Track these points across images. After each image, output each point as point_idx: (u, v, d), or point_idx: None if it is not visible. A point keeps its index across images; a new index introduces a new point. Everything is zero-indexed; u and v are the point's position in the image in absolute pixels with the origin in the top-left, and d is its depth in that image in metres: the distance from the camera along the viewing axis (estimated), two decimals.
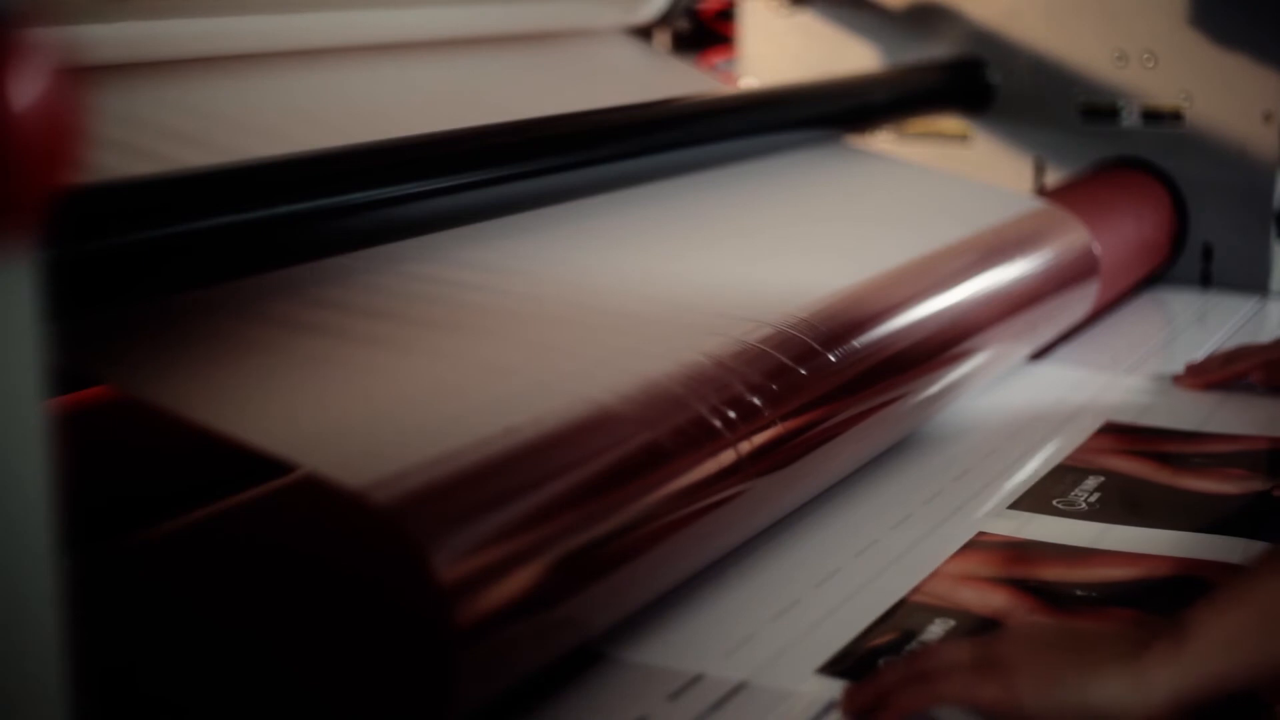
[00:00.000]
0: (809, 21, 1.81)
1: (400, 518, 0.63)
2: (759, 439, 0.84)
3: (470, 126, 1.05)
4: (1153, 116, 1.65)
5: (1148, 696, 0.67)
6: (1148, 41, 1.64)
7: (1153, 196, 1.62)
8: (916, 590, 0.85)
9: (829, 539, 0.93)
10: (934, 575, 0.88)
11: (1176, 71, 1.63)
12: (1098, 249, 1.38)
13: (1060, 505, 0.99)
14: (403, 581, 0.64)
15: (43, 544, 0.42)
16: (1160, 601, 0.84)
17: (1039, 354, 1.34)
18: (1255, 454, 1.10)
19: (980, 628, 0.81)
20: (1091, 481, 1.04)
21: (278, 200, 0.87)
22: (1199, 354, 1.31)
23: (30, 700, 0.42)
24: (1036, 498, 1.00)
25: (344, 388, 0.75)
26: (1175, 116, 1.64)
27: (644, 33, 1.66)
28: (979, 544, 0.93)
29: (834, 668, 0.76)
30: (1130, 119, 1.66)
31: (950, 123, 1.76)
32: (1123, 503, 1.00)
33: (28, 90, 0.38)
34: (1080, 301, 1.36)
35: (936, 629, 0.81)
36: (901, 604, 0.84)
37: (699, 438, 0.80)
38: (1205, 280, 1.65)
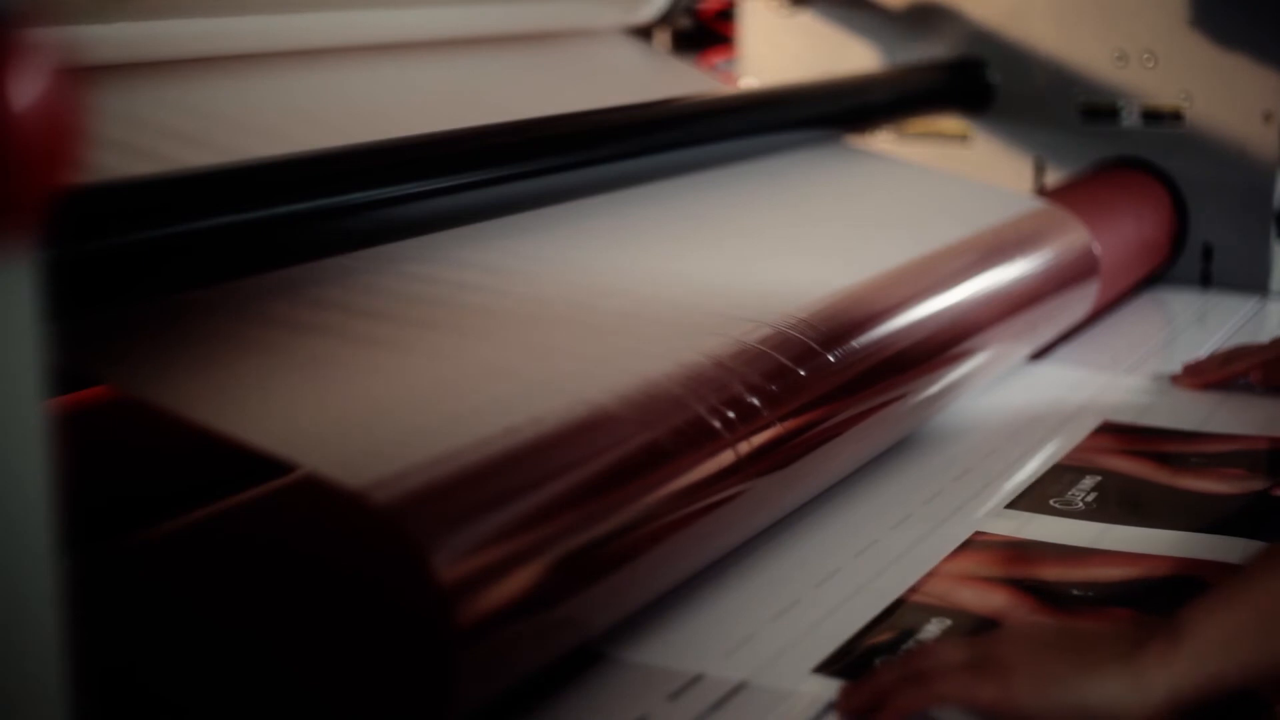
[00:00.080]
0: (809, 21, 1.81)
1: (400, 518, 0.63)
2: (758, 439, 0.84)
3: (470, 126, 1.05)
4: (1153, 116, 1.65)
5: (1146, 696, 0.67)
6: (1148, 41, 1.64)
7: (1153, 196, 1.62)
8: (914, 590, 0.85)
9: (829, 539, 0.93)
10: (931, 575, 0.88)
11: (1176, 71, 1.63)
12: (1098, 249, 1.38)
13: (1057, 505, 0.99)
14: (403, 581, 0.64)
15: (43, 544, 0.42)
16: (1158, 601, 0.84)
17: (1039, 354, 1.34)
18: (1253, 454, 1.10)
19: (977, 627, 0.81)
20: (1089, 481, 1.04)
21: (278, 200, 0.87)
22: (1200, 354, 1.31)
23: (30, 700, 0.42)
24: (1034, 498, 1.01)
25: (344, 388, 0.75)
26: (1175, 116, 1.64)
27: (644, 33, 1.65)
28: (976, 544, 0.93)
29: (831, 667, 0.76)
30: (1130, 119, 1.66)
31: (950, 123, 1.76)
32: (1120, 502, 1.00)
33: (28, 90, 0.38)
34: (1080, 301, 1.36)
35: (933, 628, 0.81)
36: (899, 603, 0.84)
37: (698, 438, 0.80)
38: (1205, 280, 1.65)
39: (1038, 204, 1.41)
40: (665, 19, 1.65)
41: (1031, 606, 0.84)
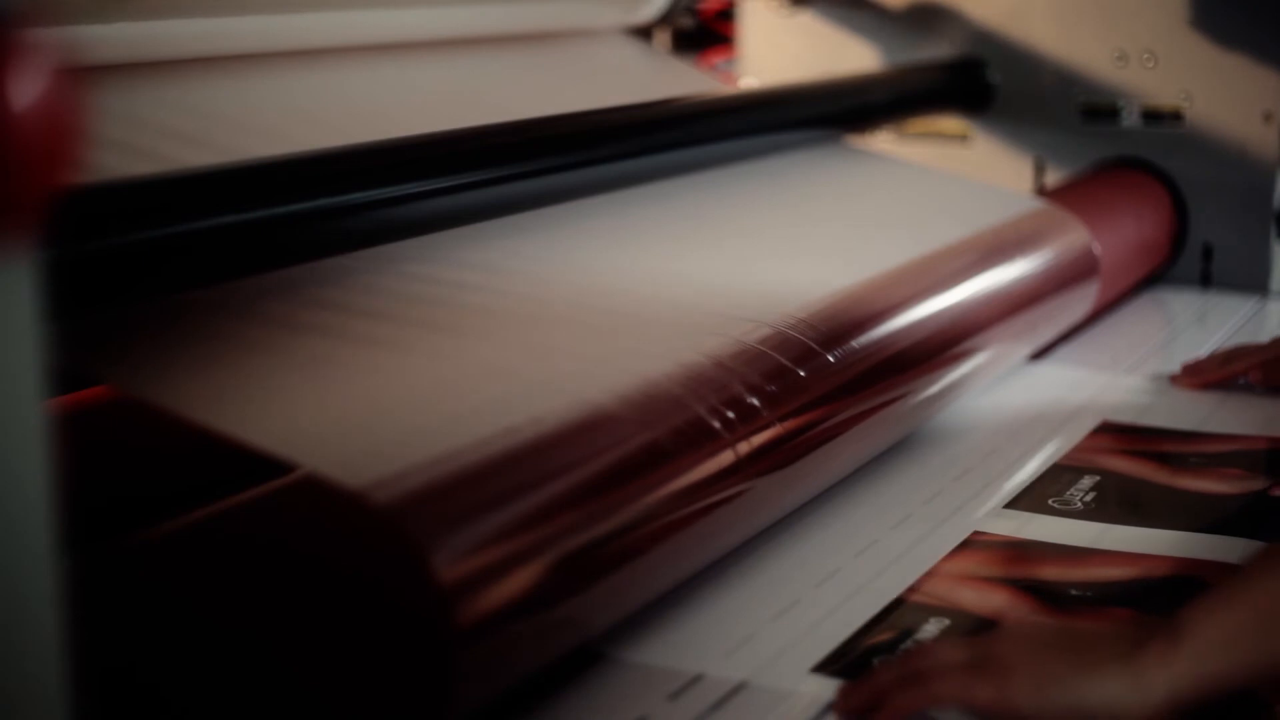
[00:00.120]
0: (809, 21, 1.81)
1: (400, 518, 0.63)
2: (758, 440, 0.84)
3: (470, 126, 1.05)
4: (1153, 116, 1.65)
5: (1145, 696, 0.67)
6: (1148, 41, 1.64)
7: (1153, 196, 1.62)
8: (912, 589, 0.85)
9: (829, 539, 0.93)
10: (929, 574, 0.88)
11: (1176, 71, 1.63)
12: (1098, 249, 1.38)
13: (1056, 505, 0.99)
14: (403, 581, 0.64)
15: (43, 544, 0.42)
16: (1156, 601, 0.84)
17: (1039, 354, 1.34)
18: (1252, 453, 1.10)
19: (976, 627, 0.81)
20: (1087, 481, 1.04)
21: (278, 200, 0.87)
22: (1200, 354, 1.31)
23: (30, 700, 0.42)
24: (1032, 498, 1.01)
25: (344, 388, 0.76)
26: (1175, 116, 1.64)
27: (644, 33, 1.65)
28: (975, 543, 0.93)
29: (829, 667, 0.76)
30: (1130, 119, 1.66)
31: (950, 123, 1.76)
32: (1119, 502, 1.00)
33: (28, 90, 0.38)
34: (1080, 301, 1.36)
35: (931, 628, 0.81)
36: (897, 603, 0.84)
37: (698, 438, 0.80)
38: (1205, 280, 1.65)
39: (1038, 204, 1.41)
40: (665, 19, 1.65)
41: (1030, 606, 0.84)
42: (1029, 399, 1.23)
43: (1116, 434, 1.14)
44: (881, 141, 1.74)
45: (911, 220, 1.30)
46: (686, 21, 1.84)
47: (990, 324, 1.16)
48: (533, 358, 0.83)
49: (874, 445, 1.03)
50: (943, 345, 1.08)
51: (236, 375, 0.75)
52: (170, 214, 0.80)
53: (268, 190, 0.87)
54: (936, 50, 1.75)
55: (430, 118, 1.07)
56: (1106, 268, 1.40)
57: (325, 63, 1.22)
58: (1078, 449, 1.10)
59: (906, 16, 1.77)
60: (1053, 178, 1.70)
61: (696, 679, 0.75)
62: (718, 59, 2.11)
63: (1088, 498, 1.00)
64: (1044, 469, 1.06)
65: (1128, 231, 1.52)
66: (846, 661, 0.76)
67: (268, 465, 0.70)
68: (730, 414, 0.82)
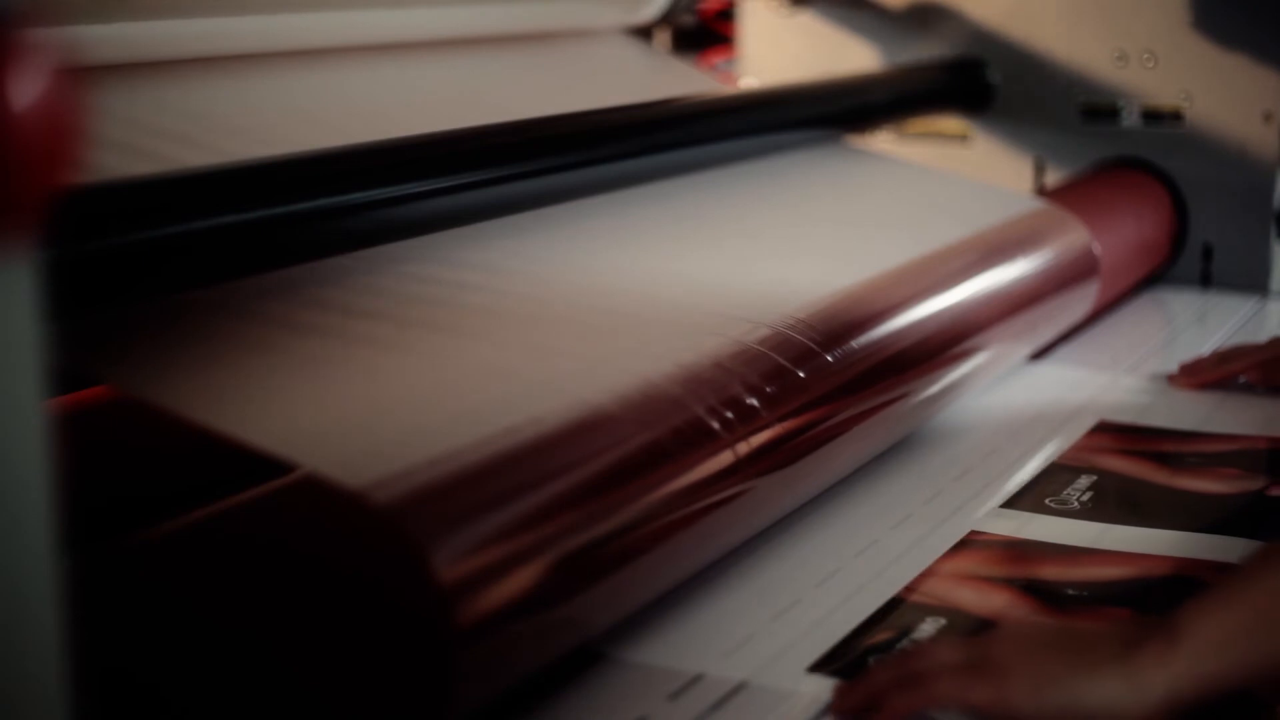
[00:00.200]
0: (809, 21, 1.81)
1: (400, 518, 0.63)
2: (757, 440, 0.84)
3: (470, 126, 1.05)
4: (1153, 116, 1.65)
5: (1143, 697, 0.67)
6: (1148, 41, 1.64)
7: (1153, 196, 1.62)
8: (908, 589, 0.86)
9: (829, 539, 0.93)
10: (926, 574, 0.88)
11: (1176, 71, 1.63)
12: (1098, 249, 1.38)
13: (1053, 504, 0.99)
14: (403, 581, 0.64)
15: (43, 544, 0.42)
16: (1154, 601, 0.84)
17: (1039, 354, 1.34)
18: (1250, 453, 1.10)
19: (973, 626, 0.81)
20: (1084, 480, 1.04)
21: (277, 200, 0.87)
22: (1200, 354, 1.31)
23: (30, 700, 0.42)
24: (1030, 497, 1.01)
25: (344, 388, 0.76)
26: (1175, 116, 1.64)
27: (644, 33, 1.65)
28: (972, 543, 0.93)
29: (826, 667, 0.76)
30: (1130, 119, 1.66)
31: (950, 123, 1.76)
32: (1116, 502, 1.00)
33: (28, 90, 0.38)
34: (1080, 301, 1.36)
35: (928, 627, 0.81)
36: (893, 603, 0.84)
37: (697, 439, 0.80)
38: (1205, 280, 1.65)
39: (1038, 204, 1.41)
40: (665, 19, 1.65)
41: (1027, 606, 0.84)
42: (1029, 399, 1.23)
43: (1114, 434, 1.14)
44: (881, 141, 1.74)
45: (911, 220, 1.30)
46: (687, 20, 1.84)
47: (990, 324, 1.16)
48: (532, 358, 0.83)
49: (874, 445, 1.03)
50: (943, 345, 1.08)
51: (236, 375, 0.75)
52: (170, 214, 0.80)
53: (268, 190, 0.87)
54: (936, 50, 1.75)
55: (430, 118, 1.07)
56: (1106, 268, 1.40)
57: (325, 63, 1.22)
58: (1075, 449, 1.10)
59: (906, 16, 1.77)
60: (1053, 178, 1.70)
61: (696, 679, 0.75)
62: (718, 59, 2.11)
63: (1085, 497, 1.01)
64: (1043, 469, 1.06)
65: (1128, 231, 1.52)
66: (845, 662, 0.76)
67: (268, 465, 0.70)
68: (729, 414, 0.82)
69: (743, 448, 0.82)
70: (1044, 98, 1.70)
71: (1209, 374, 1.26)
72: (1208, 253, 1.65)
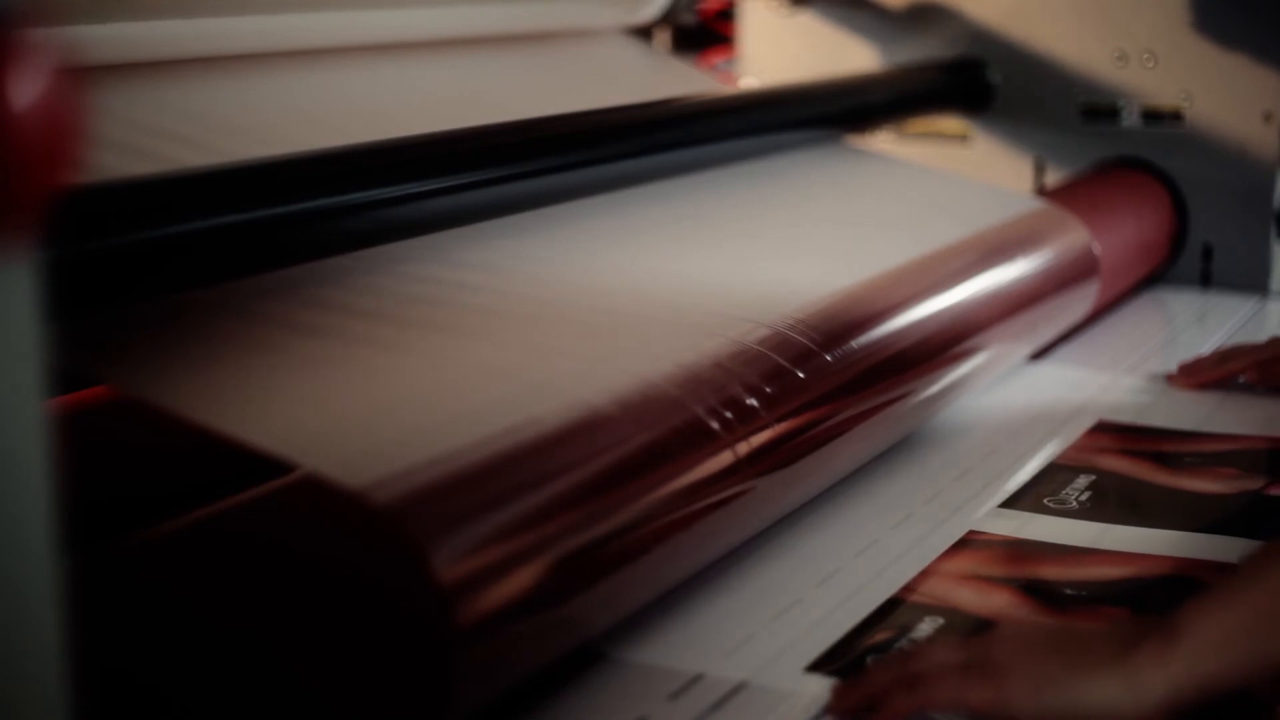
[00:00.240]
0: (809, 21, 1.81)
1: (400, 518, 0.63)
2: (757, 440, 0.84)
3: (470, 126, 1.05)
4: (1153, 116, 1.65)
5: (1142, 697, 0.67)
6: (1148, 41, 1.64)
7: (1153, 196, 1.62)
8: (907, 589, 0.86)
9: (829, 539, 0.93)
10: (924, 574, 0.88)
11: (1176, 71, 1.63)
12: (1098, 249, 1.38)
13: (1051, 504, 0.99)
14: (403, 581, 0.64)
15: (43, 544, 0.42)
16: (1152, 600, 0.84)
17: (1039, 354, 1.34)
18: (1247, 453, 1.10)
19: (971, 626, 0.81)
20: (1082, 480, 1.04)
21: (277, 200, 0.87)
22: (1201, 354, 1.31)
23: (30, 700, 0.42)
24: (1028, 497, 1.01)
25: (344, 388, 0.76)
26: (1175, 116, 1.64)
27: (644, 33, 1.65)
28: (969, 543, 0.93)
29: (823, 666, 0.76)
30: (1130, 119, 1.66)
31: (950, 123, 1.76)
32: (1114, 502, 1.00)
33: (28, 90, 0.38)
34: (1080, 301, 1.36)
35: (926, 627, 0.81)
36: (891, 602, 0.84)
37: (697, 439, 0.80)
38: (1205, 280, 1.65)
39: (1038, 204, 1.41)
40: (665, 19, 1.65)
41: (1025, 605, 0.84)
42: (1029, 399, 1.23)
43: (1113, 433, 1.14)
44: (881, 141, 1.74)
45: (911, 220, 1.30)
46: (687, 19, 1.84)
47: (990, 324, 1.16)
48: (532, 358, 0.83)
49: (873, 446, 1.03)
50: (942, 345, 1.08)
51: (236, 375, 0.75)
52: (170, 214, 0.80)
53: (268, 190, 0.87)
54: (936, 50, 1.75)
55: (430, 118, 1.07)
56: (1106, 268, 1.40)
57: (325, 63, 1.22)
58: (1073, 448, 1.10)
59: (906, 16, 1.77)
60: (1053, 178, 1.70)
61: (696, 679, 0.75)
62: (718, 59, 2.11)
63: (1083, 497, 1.01)
64: (1041, 469, 1.06)
65: (1128, 231, 1.52)
66: (845, 662, 0.76)
67: (268, 465, 0.70)
68: (729, 415, 0.82)
69: (742, 448, 0.82)
70: (1044, 98, 1.70)
71: (1208, 374, 1.26)
72: (1208, 253, 1.65)
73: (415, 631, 0.65)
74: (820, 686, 0.74)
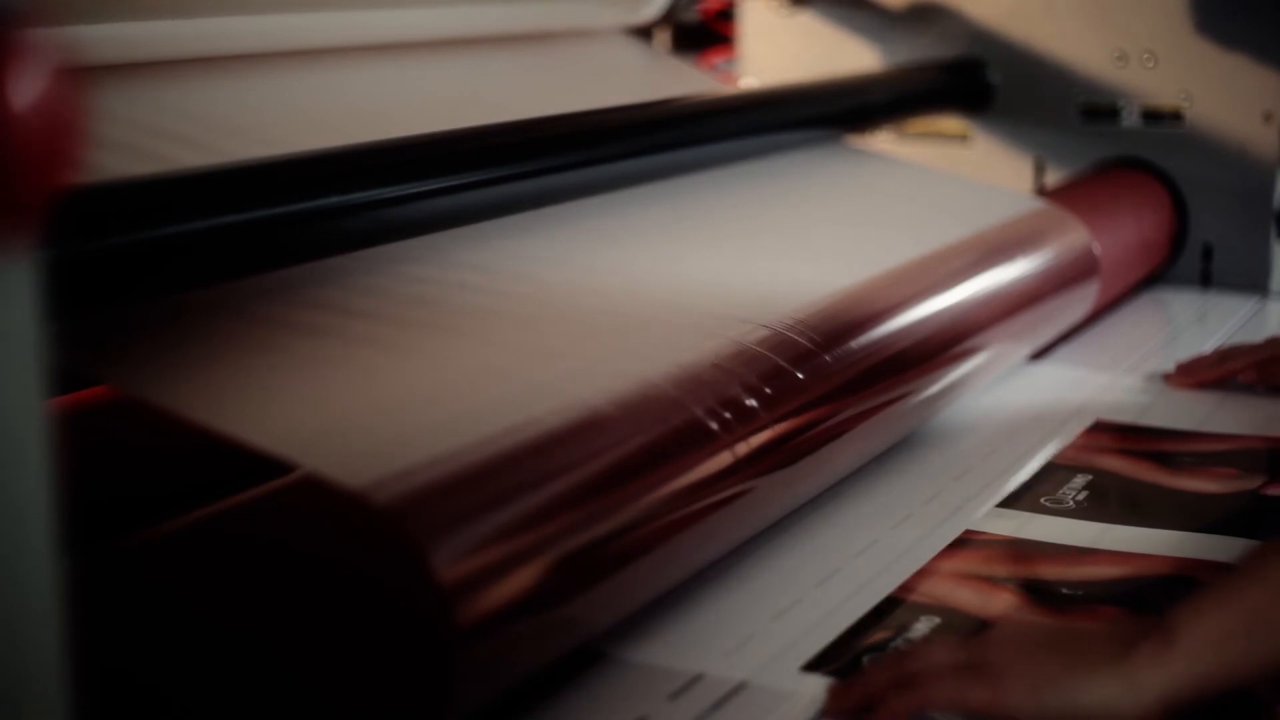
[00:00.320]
0: (809, 21, 1.81)
1: (400, 518, 0.63)
2: (756, 441, 0.84)
3: (470, 126, 1.05)
4: (1153, 116, 1.65)
5: (1139, 697, 0.67)
6: (1148, 41, 1.64)
7: (1153, 196, 1.62)
8: (903, 588, 0.86)
9: (829, 539, 0.93)
10: (920, 573, 0.88)
11: (1176, 71, 1.63)
12: (1098, 249, 1.38)
13: (1048, 504, 0.99)
14: (403, 581, 0.64)
15: (43, 544, 0.42)
16: (1148, 600, 0.84)
17: (1039, 354, 1.34)
18: (1245, 453, 1.10)
19: (967, 625, 0.81)
20: (1079, 480, 1.04)
21: (277, 200, 0.87)
22: (1200, 353, 1.31)
23: (30, 700, 0.42)
24: (1025, 497, 1.01)
25: (344, 388, 0.76)
26: (1175, 116, 1.64)
27: (644, 33, 1.66)
28: (966, 542, 0.93)
29: (820, 666, 0.76)
30: (1130, 119, 1.67)
31: (950, 123, 1.76)
32: (1111, 501, 1.00)
33: (28, 90, 0.38)
34: (1080, 301, 1.36)
35: (922, 626, 0.81)
36: (887, 602, 0.84)
37: (696, 439, 0.80)
38: (1205, 280, 1.65)
39: (1038, 204, 1.41)
40: (665, 18, 1.65)
41: (1022, 605, 0.84)
42: (1029, 399, 1.23)
43: (1110, 433, 1.14)
44: (881, 141, 1.74)
45: (911, 220, 1.30)
46: (687, 19, 1.84)
47: (990, 324, 1.16)
48: (532, 358, 0.83)
49: (873, 446, 1.03)
50: (942, 345, 1.08)
51: (236, 375, 0.75)
52: (170, 214, 0.80)
53: (267, 190, 0.87)
54: (936, 50, 1.75)
55: (430, 118, 1.07)
56: (1106, 268, 1.40)
57: (325, 63, 1.22)
58: (1071, 448, 1.10)
59: (906, 16, 1.77)
60: (1053, 178, 1.70)
61: (696, 679, 0.75)
62: (718, 59, 2.11)
63: (1080, 497, 1.01)
64: (1039, 469, 1.06)
65: (1128, 231, 1.52)
66: (842, 662, 0.76)
67: (268, 465, 0.70)
68: (728, 415, 0.82)
69: (742, 448, 0.82)
70: (1044, 98, 1.70)
71: (1206, 373, 1.26)
72: (1208, 253, 1.65)
73: (415, 631, 0.65)
74: (819, 686, 0.74)
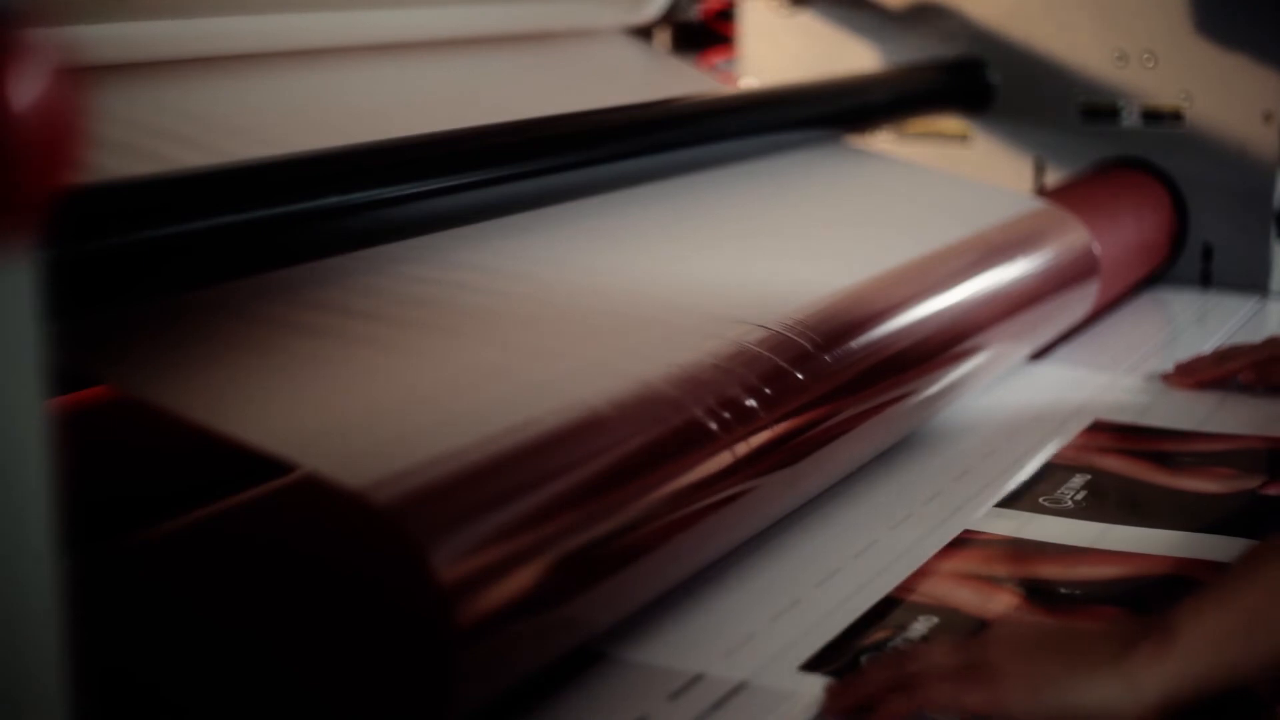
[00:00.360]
0: (809, 21, 1.81)
1: (400, 518, 0.63)
2: (755, 441, 0.84)
3: (470, 126, 1.05)
4: (1153, 116, 1.65)
5: (1138, 697, 0.67)
6: (1148, 41, 1.64)
7: (1153, 196, 1.62)
8: (902, 588, 0.86)
9: (829, 539, 0.93)
10: (919, 573, 0.88)
11: (1176, 71, 1.63)
12: (1098, 249, 1.38)
13: (1047, 504, 0.99)
14: (403, 581, 0.64)
15: (43, 544, 0.42)
16: (1147, 600, 0.84)
17: (1039, 354, 1.34)
18: (1245, 453, 1.10)
19: (966, 625, 0.81)
20: (1078, 480, 1.04)
21: (277, 200, 0.87)
22: (1199, 353, 1.31)
23: (30, 700, 0.42)
24: (1024, 497, 1.01)
25: (344, 388, 0.76)
26: (1175, 116, 1.64)
27: (644, 33, 1.66)
28: (965, 542, 0.93)
29: (818, 666, 0.76)
30: (1130, 119, 1.67)
31: (950, 123, 1.76)
32: (1109, 501, 1.00)
33: (28, 90, 0.38)
34: (1080, 301, 1.36)
35: (920, 626, 0.81)
36: (885, 602, 0.84)
37: (696, 440, 0.80)
38: (1205, 280, 1.65)
39: (1038, 204, 1.41)
40: (665, 18, 1.65)
41: (1020, 605, 0.84)
42: (1029, 399, 1.23)
43: (1109, 433, 1.14)
44: (881, 141, 1.74)
45: (911, 220, 1.30)
46: (688, 19, 1.84)
47: (990, 324, 1.16)
48: (532, 358, 0.83)
49: (873, 446, 1.03)
50: (942, 346, 1.08)
51: (236, 375, 0.75)
52: (170, 214, 0.80)
53: (267, 190, 0.87)
54: (936, 50, 1.75)
55: (430, 118, 1.07)
56: (1106, 268, 1.40)
57: (325, 63, 1.22)
58: (1069, 448, 1.10)
59: (906, 16, 1.77)
60: (1053, 178, 1.70)
61: (696, 679, 0.75)
62: (718, 59, 2.11)
63: (1079, 497, 1.01)
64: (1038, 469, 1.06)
65: (1128, 231, 1.52)
66: (840, 662, 0.76)
67: (268, 465, 0.70)
68: (728, 415, 0.82)
69: (741, 449, 0.82)
70: (1044, 98, 1.70)
71: (1205, 373, 1.26)
72: (1208, 253, 1.65)
73: (415, 631, 0.65)
74: (818, 686, 0.74)
